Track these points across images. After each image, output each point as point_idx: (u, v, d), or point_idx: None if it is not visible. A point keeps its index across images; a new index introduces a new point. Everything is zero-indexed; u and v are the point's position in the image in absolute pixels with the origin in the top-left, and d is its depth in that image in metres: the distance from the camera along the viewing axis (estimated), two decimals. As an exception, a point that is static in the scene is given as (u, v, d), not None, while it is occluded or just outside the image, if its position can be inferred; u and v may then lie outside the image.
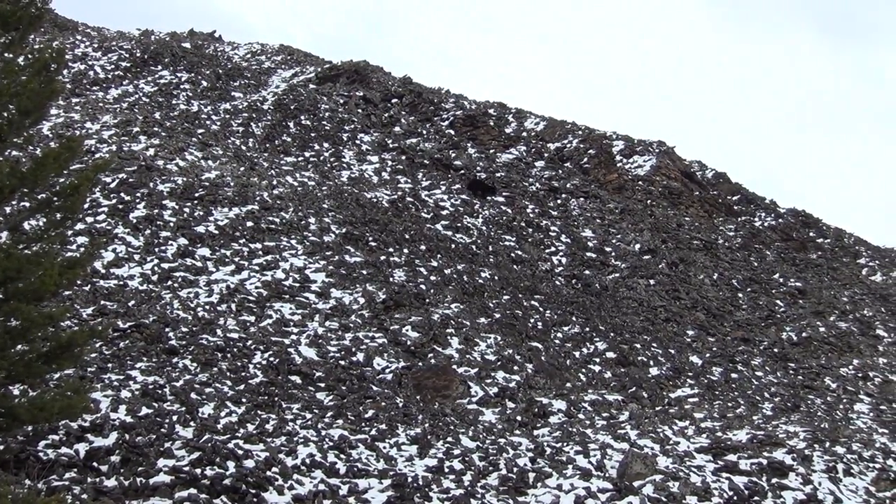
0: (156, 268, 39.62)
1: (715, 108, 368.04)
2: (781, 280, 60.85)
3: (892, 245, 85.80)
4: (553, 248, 56.13)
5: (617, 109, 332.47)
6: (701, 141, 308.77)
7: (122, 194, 45.03)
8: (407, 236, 49.03)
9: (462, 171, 63.76)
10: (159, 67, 73.34)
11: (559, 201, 63.59)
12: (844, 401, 41.00)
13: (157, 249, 41.21)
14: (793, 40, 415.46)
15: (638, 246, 58.72)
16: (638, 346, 43.95)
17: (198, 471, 24.61)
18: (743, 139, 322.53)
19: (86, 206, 40.98)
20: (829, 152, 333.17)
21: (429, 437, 30.38)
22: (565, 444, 30.93)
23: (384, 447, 29.16)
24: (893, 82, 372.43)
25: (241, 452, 26.13)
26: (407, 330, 38.57)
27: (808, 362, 46.41)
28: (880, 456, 31.55)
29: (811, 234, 79.31)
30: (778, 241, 71.92)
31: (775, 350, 47.43)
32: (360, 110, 71.43)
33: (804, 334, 50.71)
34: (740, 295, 56.09)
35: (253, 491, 24.33)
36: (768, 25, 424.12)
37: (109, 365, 30.86)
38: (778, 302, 56.47)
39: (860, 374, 45.64)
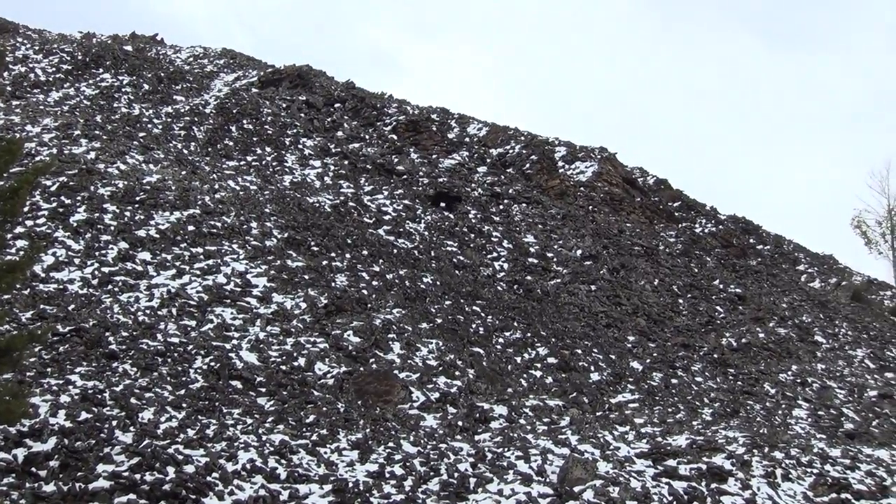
0: (96, 272, 39.34)
1: (658, 113, 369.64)
2: (721, 286, 61.26)
3: (831, 252, 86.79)
4: (495, 254, 56.26)
5: (559, 115, 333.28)
6: (643, 146, 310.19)
7: (62, 198, 44.72)
8: (349, 241, 48.98)
9: (405, 177, 63.83)
10: (101, 70, 72.85)
11: (501, 207, 63.75)
12: (783, 406, 41.33)
13: (97, 253, 40.93)
14: (730, 43, 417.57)
15: (579, 252, 58.93)
16: (579, 351, 44.13)
17: (137, 476, 24.50)
18: (684, 144, 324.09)
19: (25, 209, 40.66)
20: (768, 158, 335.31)
21: (370, 442, 30.39)
22: (506, 449, 31.00)
23: (325, 452, 29.13)
24: (832, 88, 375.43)
25: (181, 458, 26.05)
26: (348, 335, 38.53)
27: (747, 368, 46.74)
28: (818, 461, 31.84)
29: (751, 240, 79.96)
30: (718, 248, 72.41)
31: (715, 356, 47.75)
32: (302, 115, 71.30)
33: (744, 340, 51.09)
34: (681, 301, 56.40)
35: (193, 496, 24.25)
36: (704, 29, 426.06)
37: (49, 369, 30.65)
38: (718, 308, 56.86)
39: (799, 380, 46.01)
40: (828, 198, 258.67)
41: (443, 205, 61.34)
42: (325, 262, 45.00)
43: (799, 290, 66.61)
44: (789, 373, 47.16)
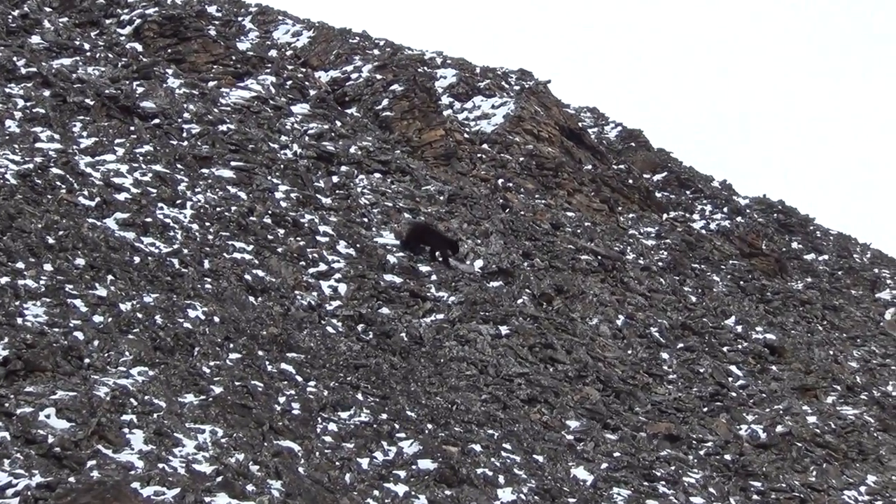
0: None
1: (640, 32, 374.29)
2: (740, 329, 61.63)
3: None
4: (323, 266, 55.97)
5: (452, 25, 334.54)
6: (607, 82, 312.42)
7: None
8: (50, 240, 48.47)
9: (156, 120, 63.37)
10: None
11: (336, 179, 63.59)
12: (850, 546, 41.76)
13: None
14: None
15: (480, 263, 58.96)
16: (476, 448, 44.04)
17: None
18: (679, 81, 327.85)
19: None
20: (821, 103, 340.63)
21: None
22: None
23: None
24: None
25: None
26: (48, 416, 38.05)
27: (785, 479, 47.06)
28: None
29: (794, 244, 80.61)
30: (735, 258, 72.82)
31: (727, 457, 48.01)
32: (-38, 4, 70.88)
33: (780, 429, 51.42)
34: (665, 355, 56.60)
35: None
36: None
37: None
38: (733, 369, 57.19)
39: (879, 501, 46.41)
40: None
41: (434, 251, 59.41)
42: (4, 280, 44.51)
43: (881, 337, 67.26)
44: (863, 488, 47.60)
